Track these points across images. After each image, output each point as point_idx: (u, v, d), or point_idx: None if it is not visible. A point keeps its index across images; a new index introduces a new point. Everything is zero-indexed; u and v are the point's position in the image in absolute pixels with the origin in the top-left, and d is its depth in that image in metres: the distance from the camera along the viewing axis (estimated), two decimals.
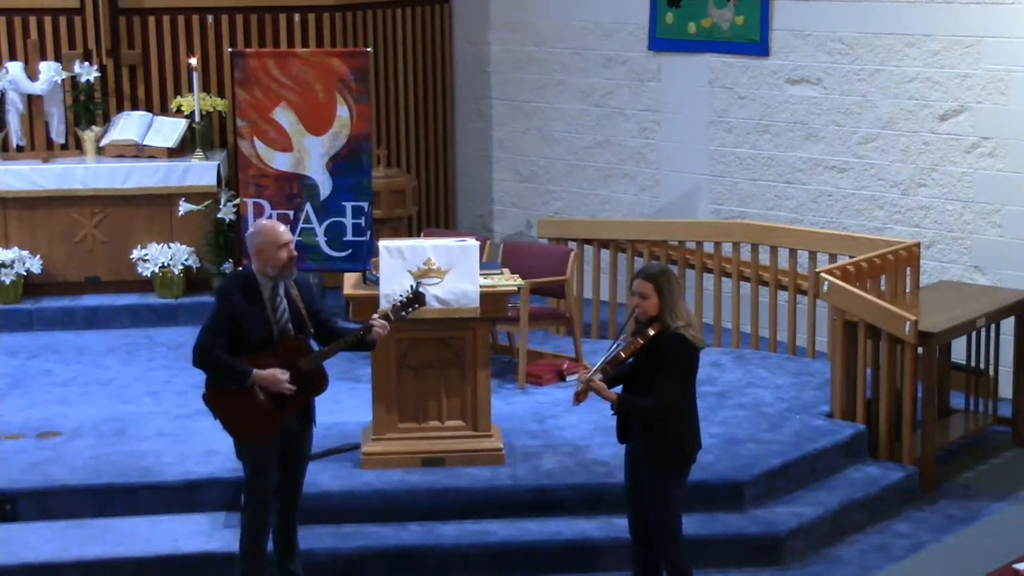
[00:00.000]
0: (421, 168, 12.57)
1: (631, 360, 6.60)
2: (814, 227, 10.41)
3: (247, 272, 6.88)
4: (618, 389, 6.67)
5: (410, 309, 7.09)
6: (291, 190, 10.27)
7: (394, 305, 7.12)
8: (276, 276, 6.82)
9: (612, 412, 6.70)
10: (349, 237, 10.28)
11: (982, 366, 9.30)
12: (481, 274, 8.15)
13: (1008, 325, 9.27)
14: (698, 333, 6.66)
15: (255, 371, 6.73)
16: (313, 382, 6.91)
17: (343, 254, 10.26)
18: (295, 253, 6.85)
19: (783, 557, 7.67)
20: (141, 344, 10.51)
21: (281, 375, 6.76)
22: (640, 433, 6.61)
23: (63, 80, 11.28)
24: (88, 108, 11.30)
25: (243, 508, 7.06)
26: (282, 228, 6.87)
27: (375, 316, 6.99)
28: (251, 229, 6.99)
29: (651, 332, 6.51)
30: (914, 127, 10.10)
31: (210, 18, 11.58)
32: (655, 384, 6.50)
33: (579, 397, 6.57)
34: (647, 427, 6.58)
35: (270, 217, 10.22)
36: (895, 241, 9.60)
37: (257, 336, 6.78)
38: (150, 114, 11.44)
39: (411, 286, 7.30)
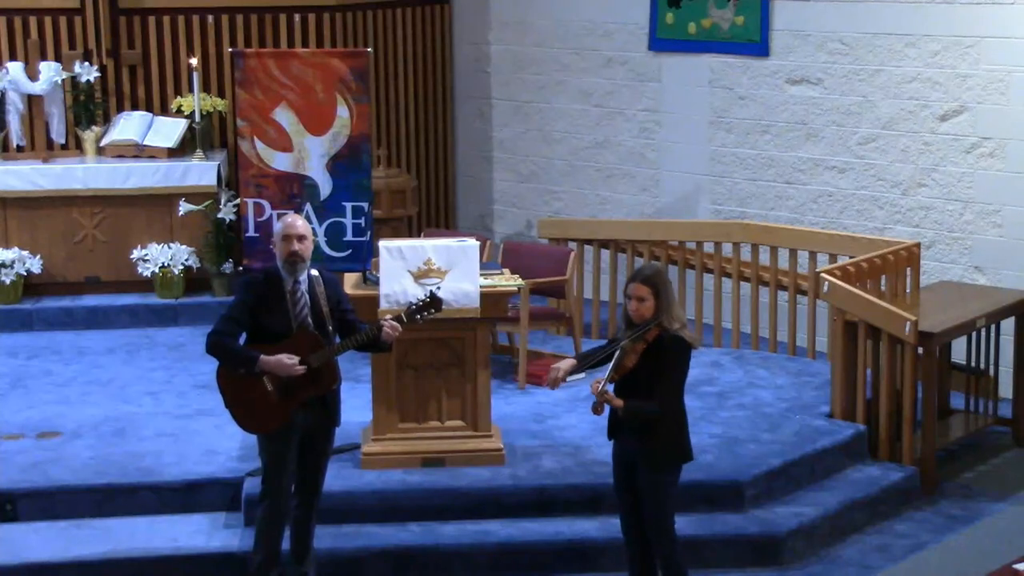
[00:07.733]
0: (421, 168, 12.57)
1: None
2: (814, 227, 10.40)
3: (273, 266, 6.94)
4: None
5: (425, 313, 6.98)
6: (291, 190, 10.28)
7: (409, 307, 7.04)
8: (285, 269, 6.85)
9: (619, 416, 6.67)
10: (349, 237, 10.29)
11: (982, 366, 9.30)
12: (481, 274, 8.13)
13: (1008, 325, 9.27)
14: (694, 333, 6.65)
15: (262, 356, 6.73)
16: (322, 377, 6.85)
17: (343, 254, 10.27)
18: (296, 249, 6.78)
19: (783, 557, 7.67)
20: (141, 344, 10.50)
21: (287, 360, 6.71)
22: (638, 435, 6.59)
23: (63, 80, 11.27)
24: (88, 108, 11.29)
25: (259, 501, 7.03)
26: (298, 222, 6.88)
27: (388, 317, 6.94)
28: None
29: (650, 336, 6.51)
30: (914, 127, 10.10)
31: (210, 18, 11.57)
32: (658, 387, 6.50)
33: (597, 410, 6.52)
34: (647, 429, 6.56)
35: (269, 218, 10.24)
36: (895, 241, 9.60)
37: (276, 329, 6.81)
38: (150, 114, 11.43)
39: (430, 290, 7.18)
